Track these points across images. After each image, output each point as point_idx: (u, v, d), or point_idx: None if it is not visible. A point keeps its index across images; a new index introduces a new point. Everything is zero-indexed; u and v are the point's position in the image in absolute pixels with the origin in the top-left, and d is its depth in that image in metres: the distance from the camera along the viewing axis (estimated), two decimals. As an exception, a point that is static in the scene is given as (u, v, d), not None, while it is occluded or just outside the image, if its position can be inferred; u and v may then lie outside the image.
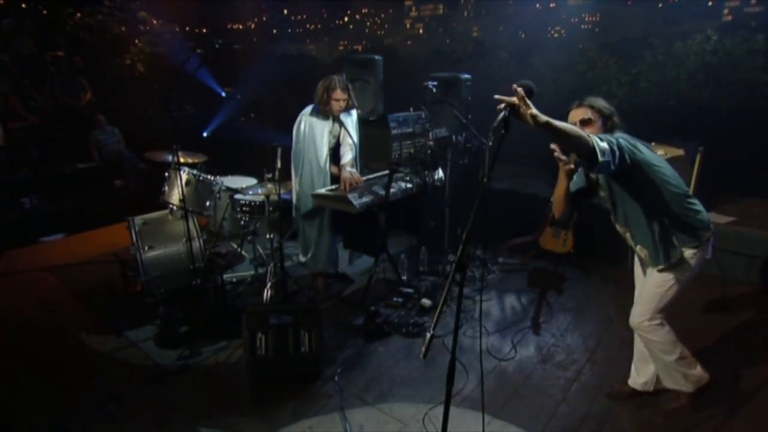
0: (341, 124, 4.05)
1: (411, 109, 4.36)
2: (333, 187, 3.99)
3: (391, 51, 10.39)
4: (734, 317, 3.87)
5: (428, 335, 1.66)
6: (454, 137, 4.48)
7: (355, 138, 4.13)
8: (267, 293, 3.94)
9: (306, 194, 4.06)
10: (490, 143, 1.75)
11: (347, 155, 4.07)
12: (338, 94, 3.87)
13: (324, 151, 4.03)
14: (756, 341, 3.56)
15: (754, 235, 4.35)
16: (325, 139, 4.02)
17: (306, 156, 4.03)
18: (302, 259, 4.40)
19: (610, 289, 4.37)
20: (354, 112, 4.16)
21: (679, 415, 2.80)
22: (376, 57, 4.32)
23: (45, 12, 8.49)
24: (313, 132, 3.99)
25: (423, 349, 1.65)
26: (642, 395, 2.92)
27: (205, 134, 7.21)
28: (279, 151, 3.68)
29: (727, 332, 3.67)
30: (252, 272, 4.42)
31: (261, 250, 4.55)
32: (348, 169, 4.00)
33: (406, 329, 3.65)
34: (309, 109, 4.05)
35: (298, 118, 4.07)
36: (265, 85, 8.67)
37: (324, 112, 3.98)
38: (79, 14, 8.67)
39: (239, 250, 4.97)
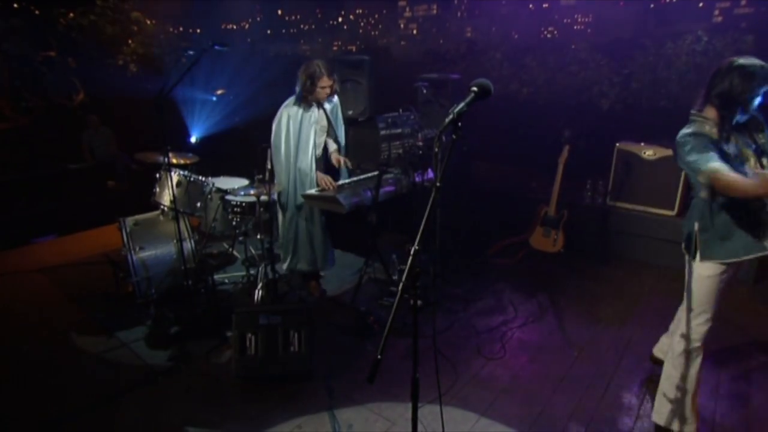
0: (326, 113, 3.91)
1: (400, 110, 4.36)
2: (321, 187, 3.93)
3: (386, 51, 10.41)
4: (723, 316, 3.90)
5: (378, 357, 1.58)
6: (443, 137, 4.49)
7: (340, 130, 4.05)
8: (258, 294, 3.95)
9: (291, 193, 3.95)
10: (437, 150, 1.72)
11: (332, 145, 4.02)
12: (324, 80, 3.68)
13: (309, 152, 3.87)
14: (745, 340, 3.60)
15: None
16: (312, 137, 3.85)
17: (289, 157, 3.85)
18: (284, 267, 4.16)
19: (599, 288, 4.39)
20: (336, 99, 4.02)
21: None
22: (366, 58, 4.33)
23: (37, 12, 8.47)
24: (298, 129, 3.81)
25: (369, 373, 1.57)
26: None
27: (193, 140, 7.19)
28: (269, 152, 3.69)
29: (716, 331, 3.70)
30: (243, 273, 4.43)
31: (253, 251, 4.56)
32: (336, 155, 3.97)
33: (396, 329, 3.66)
34: (291, 101, 3.87)
35: (279, 114, 3.86)
36: (258, 85, 8.66)
37: (308, 100, 3.79)
38: (71, 14, 8.64)
39: (230, 250, 4.97)
